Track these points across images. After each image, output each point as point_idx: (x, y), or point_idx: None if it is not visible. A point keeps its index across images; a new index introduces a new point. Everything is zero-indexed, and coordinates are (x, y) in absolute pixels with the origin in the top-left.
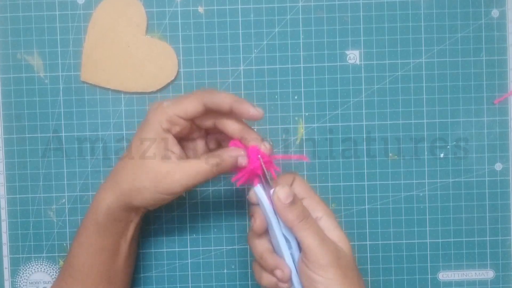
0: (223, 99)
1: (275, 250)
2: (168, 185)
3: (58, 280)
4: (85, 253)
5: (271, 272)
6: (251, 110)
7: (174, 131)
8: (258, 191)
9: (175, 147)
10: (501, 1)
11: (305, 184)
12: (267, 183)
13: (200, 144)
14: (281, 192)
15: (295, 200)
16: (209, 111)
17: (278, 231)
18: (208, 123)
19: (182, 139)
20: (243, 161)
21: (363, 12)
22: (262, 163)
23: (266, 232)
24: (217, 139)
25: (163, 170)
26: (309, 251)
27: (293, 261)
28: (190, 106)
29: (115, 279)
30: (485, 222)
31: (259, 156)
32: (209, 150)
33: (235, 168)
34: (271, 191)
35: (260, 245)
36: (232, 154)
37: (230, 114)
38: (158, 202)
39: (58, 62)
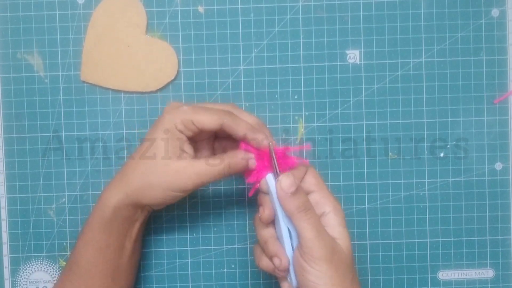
0: (238, 129)
1: (278, 237)
2: (180, 182)
3: (62, 278)
4: (90, 251)
5: (270, 258)
6: (264, 142)
7: (187, 134)
8: (269, 180)
9: (188, 147)
10: (501, 0)
11: (317, 177)
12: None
13: (206, 147)
14: (285, 180)
15: (298, 190)
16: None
17: (282, 220)
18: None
19: (190, 141)
20: (253, 164)
21: (363, 11)
22: (273, 153)
23: (273, 220)
24: (224, 145)
25: (175, 168)
26: (304, 242)
27: (293, 251)
28: (208, 121)
29: (119, 277)
30: (485, 222)
31: (270, 144)
32: (214, 154)
33: (245, 170)
34: (273, 194)
35: (266, 231)
36: (245, 156)
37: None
38: (167, 200)
39: (58, 61)
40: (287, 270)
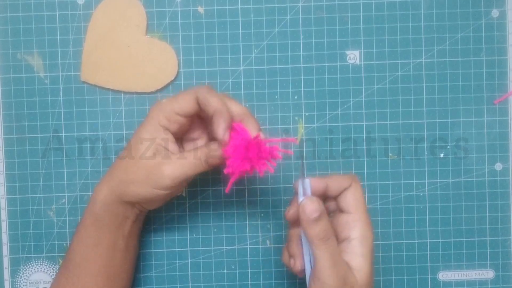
0: (210, 103)
1: (302, 239)
2: (158, 178)
3: (58, 276)
4: (83, 247)
5: (289, 256)
6: (220, 132)
7: (172, 128)
8: (299, 184)
9: (172, 145)
10: (501, 1)
11: (358, 198)
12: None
13: (200, 144)
14: (308, 205)
15: (320, 217)
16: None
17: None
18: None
19: (183, 139)
20: (225, 136)
21: (363, 12)
22: (303, 163)
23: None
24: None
25: (152, 164)
26: (318, 269)
27: (311, 261)
28: (186, 103)
29: (114, 275)
30: (485, 222)
31: (302, 160)
32: None
33: (225, 161)
34: (300, 200)
35: (292, 230)
36: (217, 148)
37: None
38: (150, 197)
39: (58, 62)
40: (302, 273)
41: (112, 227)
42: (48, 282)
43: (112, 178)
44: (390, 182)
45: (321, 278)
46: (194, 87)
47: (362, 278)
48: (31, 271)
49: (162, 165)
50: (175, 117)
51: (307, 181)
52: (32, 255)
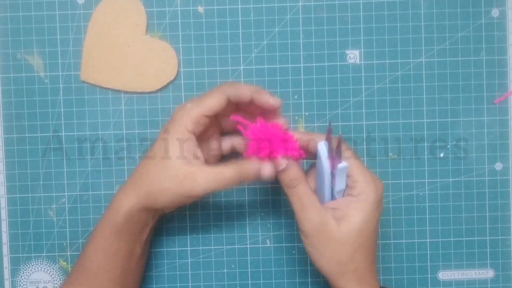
0: (243, 91)
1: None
2: (191, 187)
3: (70, 282)
4: (100, 256)
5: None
6: (271, 100)
7: (197, 131)
8: (320, 146)
9: (197, 150)
10: (501, 0)
11: (352, 162)
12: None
13: (214, 144)
14: (280, 161)
15: (287, 168)
16: (231, 104)
17: (328, 192)
18: (228, 122)
19: (198, 139)
20: (266, 171)
21: (363, 11)
22: (331, 127)
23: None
24: (232, 142)
25: (187, 172)
26: (295, 215)
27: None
28: (214, 101)
29: (128, 280)
30: (485, 222)
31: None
32: (222, 151)
33: (259, 179)
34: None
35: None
36: (258, 165)
37: (250, 104)
38: (178, 204)
39: (58, 61)
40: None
41: (132, 235)
42: (48, 282)
43: (139, 187)
44: (390, 181)
45: (297, 222)
46: (215, 87)
47: (346, 226)
48: (31, 270)
49: (196, 174)
50: (203, 119)
51: (322, 143)
52: (32, 255)
